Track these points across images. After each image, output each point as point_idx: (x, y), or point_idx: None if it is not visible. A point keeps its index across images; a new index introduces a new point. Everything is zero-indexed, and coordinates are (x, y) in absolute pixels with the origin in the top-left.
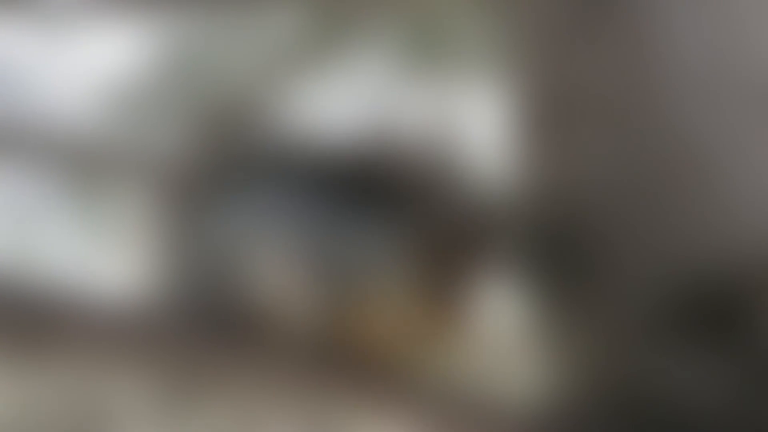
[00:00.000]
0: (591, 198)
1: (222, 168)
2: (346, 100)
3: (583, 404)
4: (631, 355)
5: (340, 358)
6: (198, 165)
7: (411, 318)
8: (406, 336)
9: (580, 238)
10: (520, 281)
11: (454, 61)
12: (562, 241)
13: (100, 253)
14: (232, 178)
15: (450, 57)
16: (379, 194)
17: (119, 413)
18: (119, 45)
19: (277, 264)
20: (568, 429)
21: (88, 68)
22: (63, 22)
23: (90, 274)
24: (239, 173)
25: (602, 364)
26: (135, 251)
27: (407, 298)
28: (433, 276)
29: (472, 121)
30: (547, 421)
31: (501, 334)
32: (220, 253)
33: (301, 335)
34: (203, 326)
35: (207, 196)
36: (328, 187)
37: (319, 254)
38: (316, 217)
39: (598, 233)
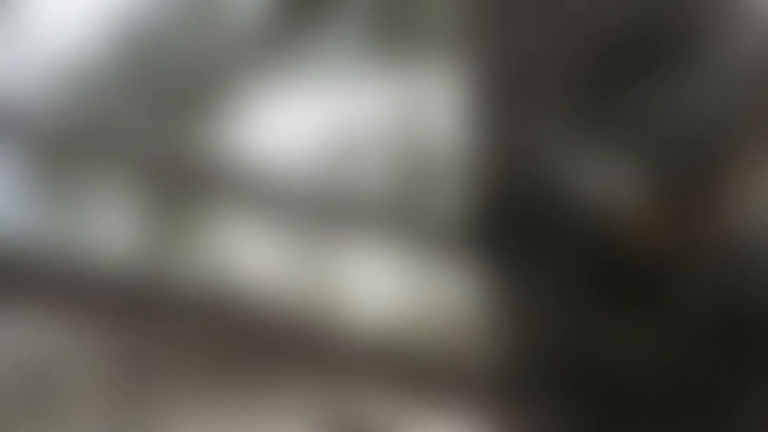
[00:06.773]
0: (542, 175)
1: (183, 150)
2: (309, 89)
3: (525, 370)
4: (565, 321)
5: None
6: (158, 148)
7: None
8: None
9: (526, 213)
10: (467, 253)
11: (418, 43)
12: (509, 215)
13: (70, 239)
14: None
15: (413, 39)
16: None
17: (77, 396)
18: (79, 29)
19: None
20: (509, 392)
21: (46, 51)
22: (23, 4)
23: (63, 259)
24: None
25: (540, 331)
26: (106, 237)
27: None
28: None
29: (436, 105)
30: (491, 384)
31: (448, 304)
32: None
33: (283, 327)
34: (186, 312)
35: (172, 182)
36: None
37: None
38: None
39: (541, 209)
